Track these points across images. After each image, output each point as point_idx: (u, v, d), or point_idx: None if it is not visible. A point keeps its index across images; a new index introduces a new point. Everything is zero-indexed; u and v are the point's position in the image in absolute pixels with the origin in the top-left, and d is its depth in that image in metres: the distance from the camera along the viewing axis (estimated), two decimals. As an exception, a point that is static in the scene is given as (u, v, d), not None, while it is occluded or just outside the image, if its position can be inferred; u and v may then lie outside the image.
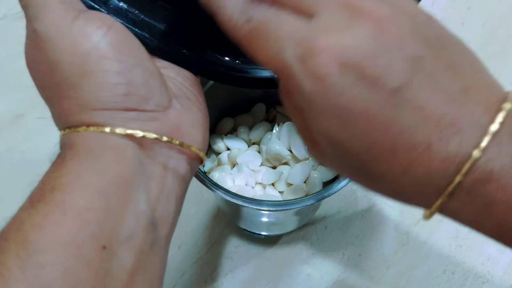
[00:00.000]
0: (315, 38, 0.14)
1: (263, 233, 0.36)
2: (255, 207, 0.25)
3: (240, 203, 0.25)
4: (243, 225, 0.36)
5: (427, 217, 0.16)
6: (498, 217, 0.14)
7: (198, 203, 0.38)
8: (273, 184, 0.31)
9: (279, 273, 0.36)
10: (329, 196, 0.26)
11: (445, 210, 0.15)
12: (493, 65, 0.54)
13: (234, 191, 0.26)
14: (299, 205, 0.25)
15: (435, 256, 0.37)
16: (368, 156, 0.15)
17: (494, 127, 0.14)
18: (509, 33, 0.50)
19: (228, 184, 0.30)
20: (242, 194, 0.26)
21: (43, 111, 0.46)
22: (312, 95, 0.14)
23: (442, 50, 0.15)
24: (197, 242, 0.37)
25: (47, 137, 0.42)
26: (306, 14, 0.15)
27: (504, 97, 0.14)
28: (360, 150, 0.15)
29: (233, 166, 0.32)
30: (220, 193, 0.25)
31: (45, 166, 0.45)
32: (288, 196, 0.30)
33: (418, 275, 0.36)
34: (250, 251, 0.37)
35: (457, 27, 0.57)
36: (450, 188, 0.14)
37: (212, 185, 0.26)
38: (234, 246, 0.37)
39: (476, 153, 0.14)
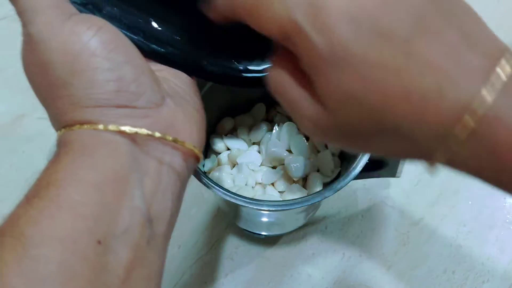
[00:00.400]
0: None
1: (263, 233, 0.36)
2: (255, 207, 0.25)
3: (240, 203, 0.25)
4: (243, 225, 0.36)
5: (438, 160, 0.16)
6: (501, 159, 0.15)
7: (198, 203, 0.39)
8: (273, 184, 0.31)
9: (280, 273, 0.36)
10: (329, 196, 0.26)
11: (453, 158, 0.15)
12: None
13: (234, 191, 0.26)
14: (299, 205, 0.25)
15: (435, 256, 0.37)
16: (384, 105, 0.15)
17: (499, 70, 0.14)
18: (508, 34, 0.50)
19: (228, 184, 0.30)
20: (242, 194, 0.26)
21: (44, 111, 0.46)
22: (325, 50, 0.15)
23: (445, 4, 0.15)
24: (197, 242, 0.37)
25: (48, 137, 0.42)
26: None
27: (505, 48, 0.15)
28: (376, 100, 0.15)
29: (233, 166, 0.32)
30: (220, 193, 0.25)
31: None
32: (288, 196, 0.30)
33: (419, 275, 0.36)
34: (250, 251, 0.37)
35: (456, 27, 0.56)
36: (459, 126, 0.14)
37: (212, 185, 0.26)
38: (235, 247, 0.37)
39: (484, 92, 0.14)
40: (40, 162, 0.40)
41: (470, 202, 0.39)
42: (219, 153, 0.32)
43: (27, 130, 0.42)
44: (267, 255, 0.37)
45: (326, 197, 0.26)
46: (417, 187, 0.40)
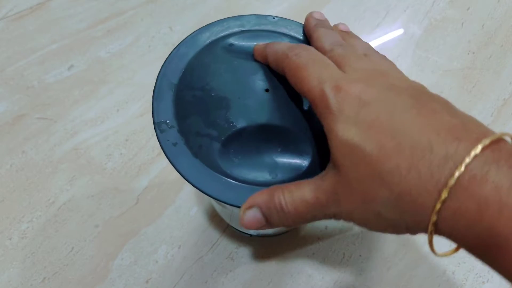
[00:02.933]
0: (347, 83, 0.20)
1: (244, 230, 0.36)
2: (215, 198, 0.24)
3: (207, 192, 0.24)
4: (228, 220, 0.36)
5: (430, 229, 0.17)
6: (489, 219, 0.16)
7: (198, 203, 0.39)
8: None
9: (280, 273, 0.36)
10: None
11: (443, 216, 0.17)
12: (493, 66, 0.54)
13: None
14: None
15: (435, 256, 0.37)
16: (379, 155, 0.18)
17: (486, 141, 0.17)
18: (508, 34, 0.50)
19: None
20: None
21: (43, 111, 0.46)
22: (336, 109, 0.20)
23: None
24: (197, 242, 0.37)
25: (48, 137, 0.42)
26: (340, 67, 0.22)
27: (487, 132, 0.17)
28: (372, 150, 0.18)
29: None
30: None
31: (45, 167, 0.45)
32: None
33: (419, 275, 0.36)
34: (250, 251, 0.37)
35: (457, 28, 0.57)
36: (451, 181, 0.16)
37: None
38: (235, 246, 0.37)
39: (473, 153, 0.16)
40: (40, 161, 0.40)
41: (470, 202, 0.39)
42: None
43: (27, 130, 0.42)
44: (267, 255, 0.37)
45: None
46: (417, 187, 0.40)
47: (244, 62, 0.25)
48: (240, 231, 0.37)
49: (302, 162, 0.23)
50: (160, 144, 0.22)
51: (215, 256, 0.36)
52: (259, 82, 0.24)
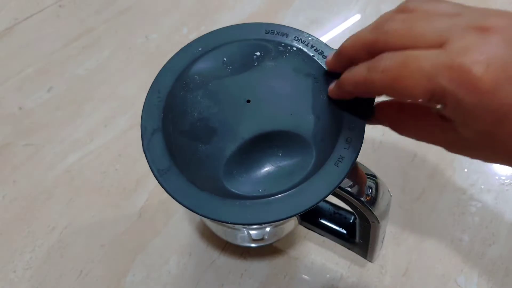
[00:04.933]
0: (461, 58, 0.16)
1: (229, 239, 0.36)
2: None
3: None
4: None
5: None
6: None
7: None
8: None
9: (294, 265, 0.36)
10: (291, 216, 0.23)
11: None
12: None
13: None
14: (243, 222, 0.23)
15: (441, 227, 0.37)
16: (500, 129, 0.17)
17: None
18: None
19: None
20: None
21: (29, 137, 0.44)
22: (470, 103, 0.17)
23: None
24: (207, 247, 0.37)
25: (37, 163, 0.41)
26: (435, 46, 0.17)
27: None
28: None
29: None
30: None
31: (39, 193, 0.44)
32: None
33: (428, 247, 0.37)
34: (262, 248, 0.37)
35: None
36: None
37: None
38: (246, 245, 0.37)
39: None
40: (33, 189, 0.39)
41: (466, 170, 0.40)
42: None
43: (15, 159, 0.41)
44: (278, 249, 0.37)
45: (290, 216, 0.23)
46: (414, 162, 0.40)
47: (217, 82, 0.24)
48: (240, 245, 0.37)
49: (305, 159, 0.23)
50: (165, 190, 0.22)
51: (227, 258, 0.36)
52: (238, 95, 0.23)
